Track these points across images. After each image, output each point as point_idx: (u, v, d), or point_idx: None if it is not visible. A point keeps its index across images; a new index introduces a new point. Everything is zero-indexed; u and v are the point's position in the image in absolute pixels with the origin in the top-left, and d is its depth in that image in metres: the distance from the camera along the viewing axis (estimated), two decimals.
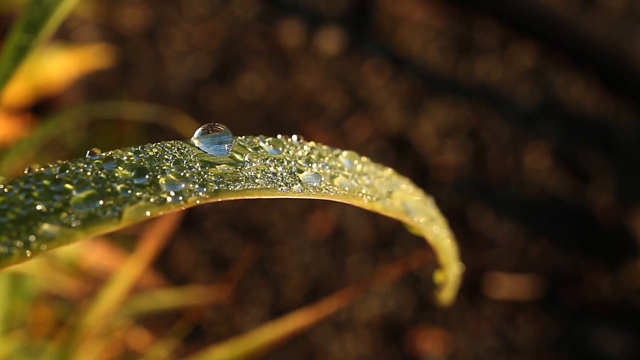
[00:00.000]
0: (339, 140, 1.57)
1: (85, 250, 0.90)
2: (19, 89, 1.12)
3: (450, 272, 0.38)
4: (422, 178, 1.54)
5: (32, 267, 0.80)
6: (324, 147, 0.31)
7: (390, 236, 1.47)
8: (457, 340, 1.39)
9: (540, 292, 1.44)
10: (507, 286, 1.44)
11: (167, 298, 0.96)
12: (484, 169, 1.57)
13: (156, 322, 1.24)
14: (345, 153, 0.31)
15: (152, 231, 0.76)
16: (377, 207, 0.30)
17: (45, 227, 0.23)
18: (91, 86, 1.53)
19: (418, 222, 0.32)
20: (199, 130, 0.28)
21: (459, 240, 1.49)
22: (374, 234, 1.47)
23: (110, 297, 0.72)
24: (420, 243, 1.46)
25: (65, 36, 1.54)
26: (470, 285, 1.44)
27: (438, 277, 0.39)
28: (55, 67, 1.15)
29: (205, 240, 1.44)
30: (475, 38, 1.74)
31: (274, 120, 1.57)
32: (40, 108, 1.22)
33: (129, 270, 0.73)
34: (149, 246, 0.75)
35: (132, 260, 0.74)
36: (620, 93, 1.69)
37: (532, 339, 1.40)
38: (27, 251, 0.23)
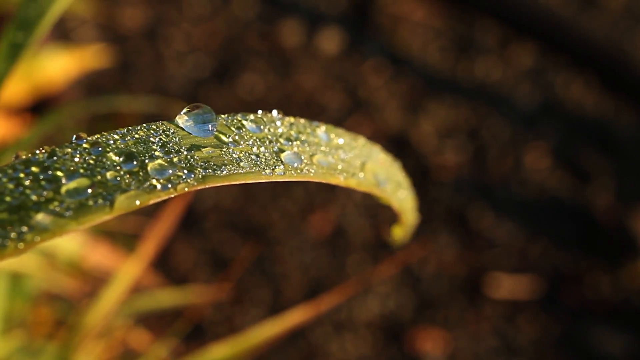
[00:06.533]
0: None
1: (85, 250, 0.90)
2: (18, 89, 1.12)
3: (408, 223, 0.40)
4: (422, 178, 1.54)
5: (32, 267, 0.80)
6: (302, 122, 0.31)
7: None
8: (457, 340, 1.39)
9: (540, 292, 1.44)
10: (507, 286, 1.44)
11: (167, 297, 0.96)
12: (484, 169, 1.57)
13: (156, 322, 1.24)
14: (323, 127, 0.32)
15: (152, 231, 0.76)
16: (352, 184, 0.31)
17: (39, 217, 0.23)
18: (91, 86, 1.53)
19: (386, 192, 0.34)
20: (184, 110, 0.28)
21: (459, 241, 1.49)
22: (374, 234, 1.47)
23: (111, 296, 0.72)
24: (420, 241, 1.46)
25: (65, 36, 1.54)
26: (470, 285, 1.44)
27: (396, 231, 0.42)
28: (55, 67, 1.15)
29: (205, 240, 1.44)
30: (475, 38, 1.74)
31: None
32: (40, 108, 1.21)
33: (129, 270, 0.73)
34: (149, 246, 0.74)
35: (133, 260, 0.74)
36: (620, 93, 1.69)
37: (532, 339, 1.40)
38: (21, 243, 0.22)
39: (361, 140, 0.34)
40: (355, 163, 0.32)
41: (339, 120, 1.60)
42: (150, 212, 1.33)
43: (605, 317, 1.42)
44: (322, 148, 0.31)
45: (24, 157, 0.24)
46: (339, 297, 0.65)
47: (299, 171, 0.29)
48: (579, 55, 1.71)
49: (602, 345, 1.39)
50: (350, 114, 1.61)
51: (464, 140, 1.60)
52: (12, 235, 0.22)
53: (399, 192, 0.36)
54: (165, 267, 1.38)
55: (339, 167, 0.31)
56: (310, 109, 1.60)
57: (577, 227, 1.52)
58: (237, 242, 1.44)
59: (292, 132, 0.31)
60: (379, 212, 1.49)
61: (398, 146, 1.58)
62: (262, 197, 1.48)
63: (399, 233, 0.41)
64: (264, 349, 0.63)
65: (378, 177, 0.34)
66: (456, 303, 1.42)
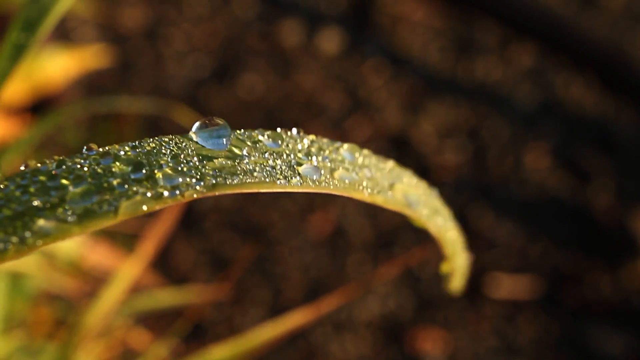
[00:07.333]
0: (339, 140, 1.56)
1: (85, 250, 0.90)
2: (18, 89, 1.12)
3: (457, 263, 0.37)
4: (422, 178, 1.54)
5: (32, 267, 0.80)
6: (324, 140, 0.30)
7: (390, 236, 1.47)
8: (457, 340, 1.39)
9: (540, 292, 1.44)
10: (507, 286, 1.44)
11: (167, 297, 0.96)
12: (484, 169, 1.57)
13: (156, 322, 1.24)
14: (346, 146, 0.31)
15: (152, 231, 0.76)
16: (379, 200, 0.30)
17: (41, 222, 0.23)
18: (91, 86, 1.53)
19: (420, 214, 0.32)
20: (197, 124, 0.28)
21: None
22: (374, 234, 1.47)
23: (110, 296, 0.72)
24: (420, 241, 1.46)
25: (65, 36, 1.54)
26: (470, 285, 1.44)
27: (444, 268, 0.38)
28: (55, 67, 1.15)
29: (205, 240, 1.44)
30: (475, 38, 1.74)
31: (273, 120, 1.57)
32: (40, 108, 1.21)
33: (129, 269, 0.73)
34: (149, 246, 0.74)
35: (132, 260, 0.74)
36: (620, 93, 1.69)
37: (532, 339, 1.40)
38: (23, 246, 0.23)
39: (390, 163, 0.32)
40: (383, 182, 0.31)
41: (339, 121, 1.60)
42: (150, 212, 1.33)
43: (605, 317, 1.42)
44: (345, 165, 0.30)
45: (33, 166, 0.25)
46: (339, 300, 0.65)
47: (317, 183, 0.28)
48: (579, 55, 1.71)
49: (602, 345, 1.39)
50: (350, 114, 1.61)
51: (464, 140, 1.60)
52: (14, 239, 0.23)
53: (436, 219, 0.34)
54: (165, 267, 1.38)
55: (364, 183, 0.30)
56: (310, 109, 1.60)
57: (577, 227, 1.52)
58: (237, 242, 1.44)
59: (313, 149, 0.30)
60: (379, 213, 1.49)
61: (398, 146, 1.58)
62: (263, 197, 1.48)
63: (447, 270, 0.38)
64: (264, 349, 0.63)
65: (409, 198, 0.32)
66: (456, 303, 1.42)
